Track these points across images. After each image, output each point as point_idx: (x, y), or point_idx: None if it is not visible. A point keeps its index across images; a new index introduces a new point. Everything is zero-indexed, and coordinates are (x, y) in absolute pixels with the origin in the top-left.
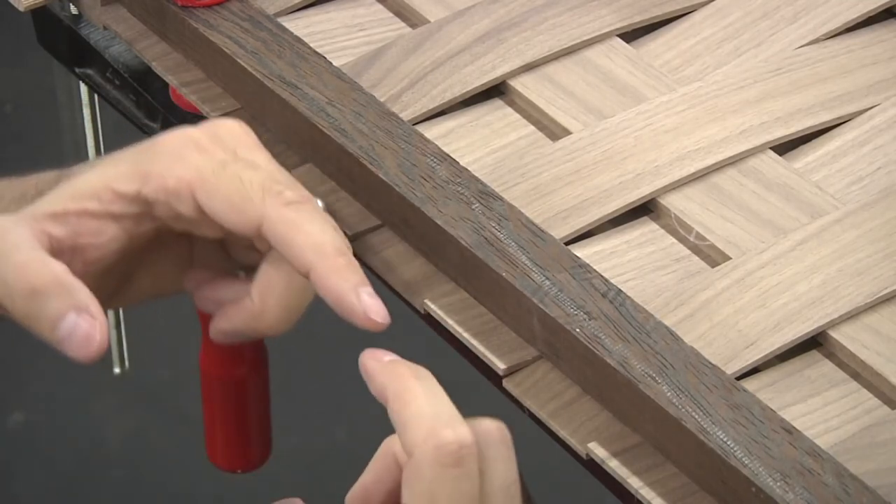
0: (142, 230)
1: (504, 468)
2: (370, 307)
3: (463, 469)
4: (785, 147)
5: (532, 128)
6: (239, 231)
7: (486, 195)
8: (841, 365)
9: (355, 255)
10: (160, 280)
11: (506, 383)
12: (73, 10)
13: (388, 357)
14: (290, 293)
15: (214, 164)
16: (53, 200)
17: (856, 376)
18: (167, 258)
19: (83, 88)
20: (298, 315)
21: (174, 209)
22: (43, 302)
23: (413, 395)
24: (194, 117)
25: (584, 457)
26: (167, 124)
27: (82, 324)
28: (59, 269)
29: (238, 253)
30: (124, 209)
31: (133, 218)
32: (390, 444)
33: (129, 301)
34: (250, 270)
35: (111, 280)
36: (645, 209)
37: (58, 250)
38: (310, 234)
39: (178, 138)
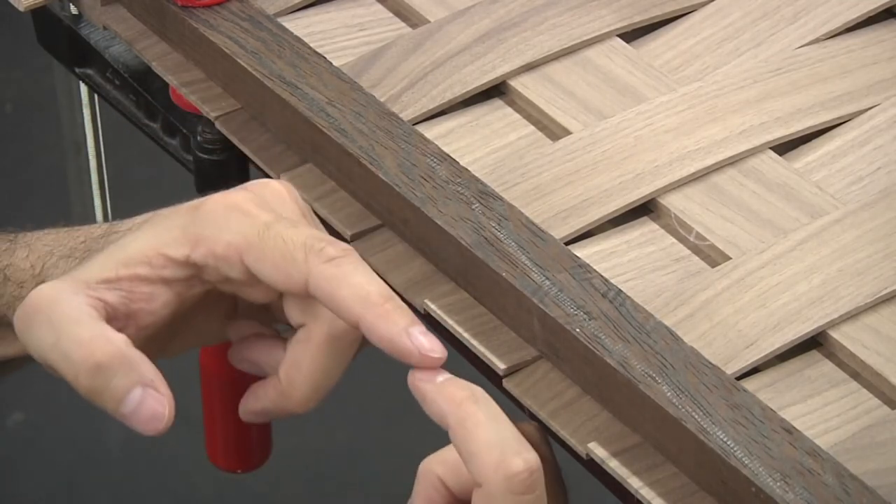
0: (192, 293)
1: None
2: (423, 346)
3: (535, 493)
4: (785, 147)
5: (532, 128)
6: (288, 291)
7: (486, 195)
8: (841, 365)
9: None
10: (204, 334)
11: (506, 383)
12: (73, 10)
13: (440, 377)
14: (316, 372)
15: (259, 227)
16: (105, 265)
17: (856, 376)
18: (212, 315)
19: (83, 88)
20: (326, 393)
21: (223, 273)
22: (108, 378)
23: (475, 422)
24: (194, 117)
25: (584, 457)
26: (167, 124)
27: (149, 400)
28: (121, 342)
29: (278, 312)
30: (175, 274)
31: (184, 282)
32: (431, 468)
33: (173, 354)
34: (289, 328)
35: (159, 340)
36: (645, 209)
37: (112, 317)
38: (353, 286)
39: (223, 202)
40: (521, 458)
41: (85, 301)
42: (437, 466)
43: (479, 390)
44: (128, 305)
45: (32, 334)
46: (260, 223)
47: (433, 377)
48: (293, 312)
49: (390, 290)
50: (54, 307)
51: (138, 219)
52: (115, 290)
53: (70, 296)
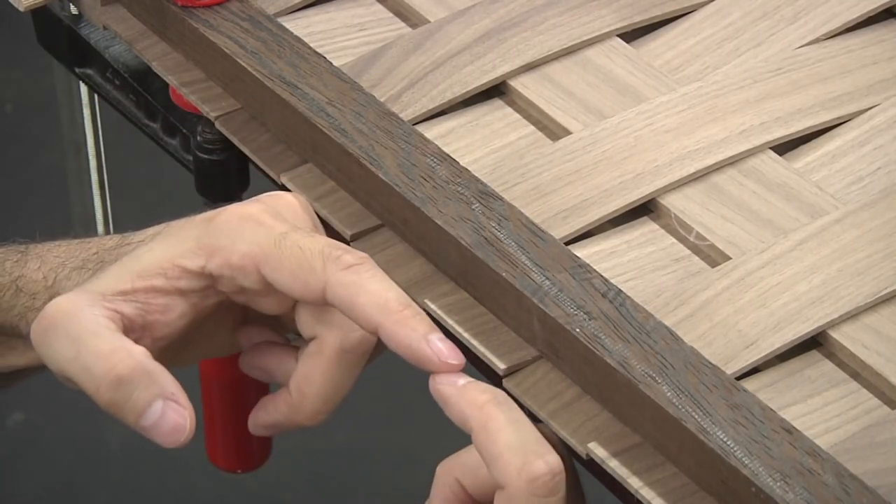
0: (206, 304)
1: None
2: (442, 352)
3: (558, 495)
4: (785, 147)
5: (532, 128)
6: (304, 299)
7: (486, 195)
8: (841, 365)
9: None
10: (215, 344)
11: (506, 383)
12: (73, 10)
13: (461, 381)
14: (328, 385)
15: (275, 236)
16: (121, 277)
17: (856, 376)
18: (223, 325)
19: (83, 88)
20: (335, 406)
21: (238, 284)
22: (129, 391)
23: (497, 425)
24: (194, 117)
25: (584, 457)
26: (167, 124)
27: (170, 413)
28: (142, 355)
29: (289, 323)
30: (191, 285)
31: (199, 293)
32: (450, 470)
33: (183, 364)
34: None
35: (172, 351)
36: (645, 209)
37: (129, 329)
38: (372, 293)
39: (238, 213)
40: (543, 460)
41: (102, 313)
42: (455, 468)
43: (500, 393)
44: (144, 317)
45: (51, 347)
46: (276, 233)
47: (454, 381)
48: (305, 324)
49: (409, 297)
50: (72, 320)
51: (150, 230)
52: (132, 301)
53: (87, 308)
